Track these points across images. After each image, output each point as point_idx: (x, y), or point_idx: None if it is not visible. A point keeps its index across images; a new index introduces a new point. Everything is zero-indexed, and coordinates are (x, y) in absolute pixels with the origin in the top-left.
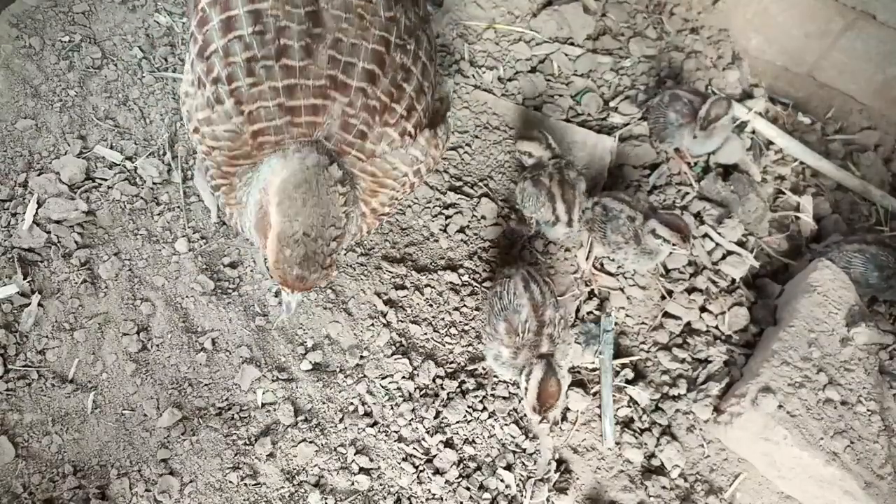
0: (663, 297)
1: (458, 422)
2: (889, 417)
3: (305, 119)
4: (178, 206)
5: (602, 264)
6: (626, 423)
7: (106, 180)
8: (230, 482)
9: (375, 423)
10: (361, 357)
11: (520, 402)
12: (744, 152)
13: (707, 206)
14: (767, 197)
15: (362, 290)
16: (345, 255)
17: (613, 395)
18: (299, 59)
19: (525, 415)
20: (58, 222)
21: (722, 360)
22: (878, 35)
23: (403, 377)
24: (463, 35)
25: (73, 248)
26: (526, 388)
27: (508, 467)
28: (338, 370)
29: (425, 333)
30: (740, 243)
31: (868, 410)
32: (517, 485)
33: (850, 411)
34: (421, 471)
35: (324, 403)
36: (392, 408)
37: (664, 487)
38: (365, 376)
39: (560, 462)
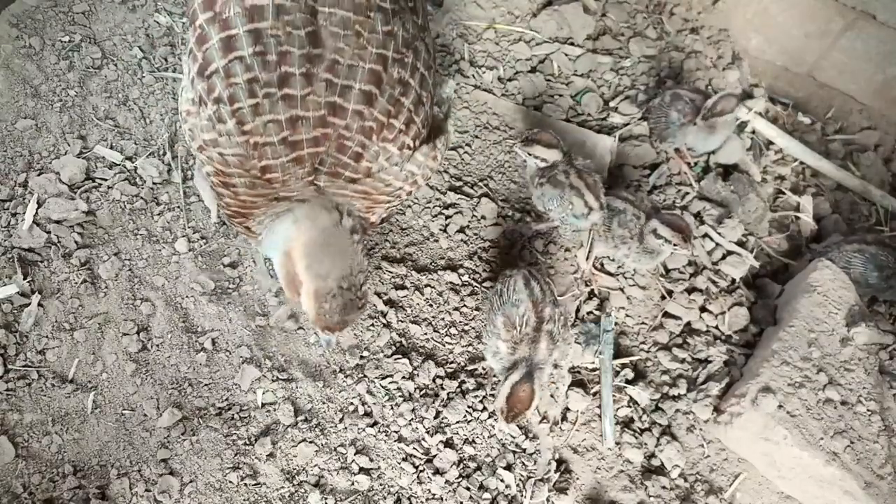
0: (663, 297)
1: (458, 422)
2: (889, 417)
3: (308, 151)
4: (178, 206)
5: (602, 264)
6: (626, 423)
7: (106, 180)
8: (230, 482)
9: (375, 423)
10: (361, 357)
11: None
12: (744, 152)
13: (707, 206)
14: (767, 197)
15: None
16: None
17: (613, 395)
18: (300, 88)
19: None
20: (58, 222)
21: (722, 360)
22: (878, 35)
23: (403, 377)
24: (463, 35)
25: (73, 248)
26: (499, 389)
27: (508, 467)
28: (338, 370)
29: (425, 333)
30: (740, 243)
31: (868, 410)
32: (517, 485)
33: (850, 411)
34: (421, 471)
35: (324, 403)
36: (392, 408)
37: (664, 487)
38: (365, 376)
39: (560, 462)
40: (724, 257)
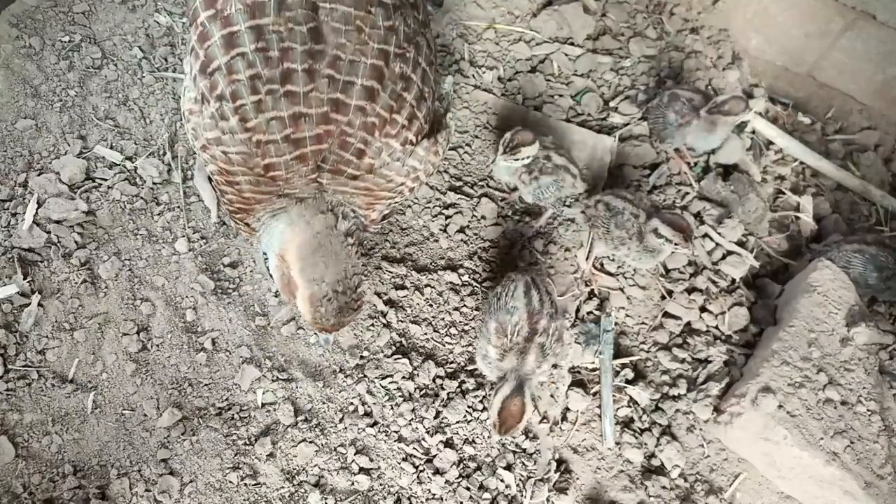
0: (663, 297)
1: (458, 422)
2: (889, 417)
3: (311, 149)
4: (178, 206)
5: (602, 264)
6: (626, 423)
7: (106, 180)
8: (230, 482)
9: (375, 423)
10: (361, 357)
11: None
12: (744, 152)
13: (707, 206)
14: (767, 197)
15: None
16: None
17: (613, 395)
18: (303, 85)
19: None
20: (58, 222)
21: (722, 360)
22: (878, 35)
23: (403, 377)
24: (463, 35)
25: (73, 248)
26: (491, 403)
27: (508, 467)
28: (338, 370)
29: (425, 333)
30: (740, 243)
31: (868, 410)
32: (517, 485)
33: (850, 411)
34: (421, 471)
35: (324, 403)
36: (392, 408)
37: (664, 487)
38: (365, 376)
39: (560, 462)
40: (724, 257)
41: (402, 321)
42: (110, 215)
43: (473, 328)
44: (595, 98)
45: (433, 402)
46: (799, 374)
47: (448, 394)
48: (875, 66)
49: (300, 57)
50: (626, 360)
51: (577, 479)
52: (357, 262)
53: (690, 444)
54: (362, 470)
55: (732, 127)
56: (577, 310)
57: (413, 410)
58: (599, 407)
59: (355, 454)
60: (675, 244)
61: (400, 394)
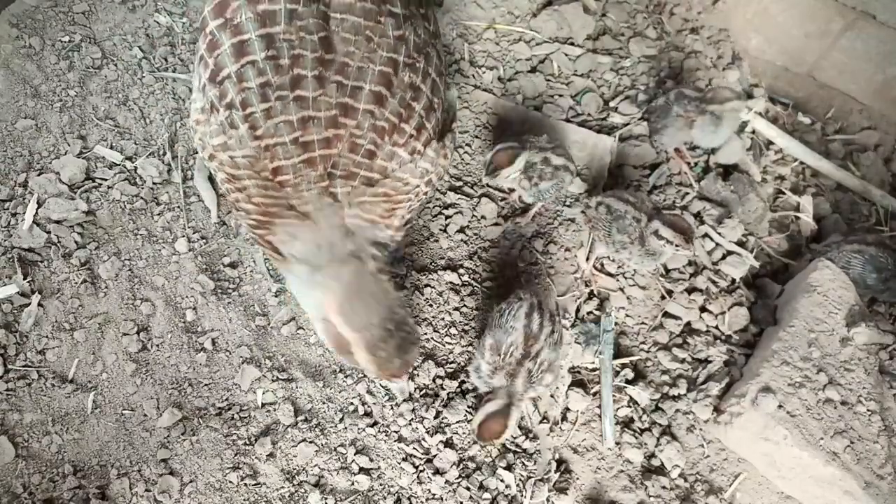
0: (663, 297)
1: (458, 422)
2: (889, 417)
3: (320, 153)
4: (178, 206)
5: (602, 264)
6: (626, 423)
7: (106, 180)
8: (230, 482)
9: (375, 423)
10: None
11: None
12: (744, 152)
13: (707, 206)
14: (767, 197)
15: None
16: None
17: (613, 395)
18: (312, 90)
19: (523, 416)
20: (58, 222)
21: (722, 360)
22: (878, 35)
23: None
24: (463, 35)
25: (73, 248)
26: (476, 413)
27: (508, 467)
28: (338, 370)
29: (425, 333)
30: (740, 243)
31: (868, 410)
32: (517, 485)
33: (850, 411)
34: (421, 471)
35: (324, 403)
36: (392, 408)
37: (664, 487)
38: (365, 376)
39: (560, 462)
40: (724, 257)
41: None
42: (110, 215)
43: (473, 328)
44: (595, 98)
45: (433, 402)
46: (799, 374)
47: (448, 394)
48: (875, 66)
49: (310, 64)
50: (626, 360)
51: (577, 479)
52: (397, 295)
53: (690, 444)
54: (362, 470)
55: (738, 122)
56: (577, 310)
57: (413, 410)
58: (599, 407)
59: (355, 454)
60: (677, 246)
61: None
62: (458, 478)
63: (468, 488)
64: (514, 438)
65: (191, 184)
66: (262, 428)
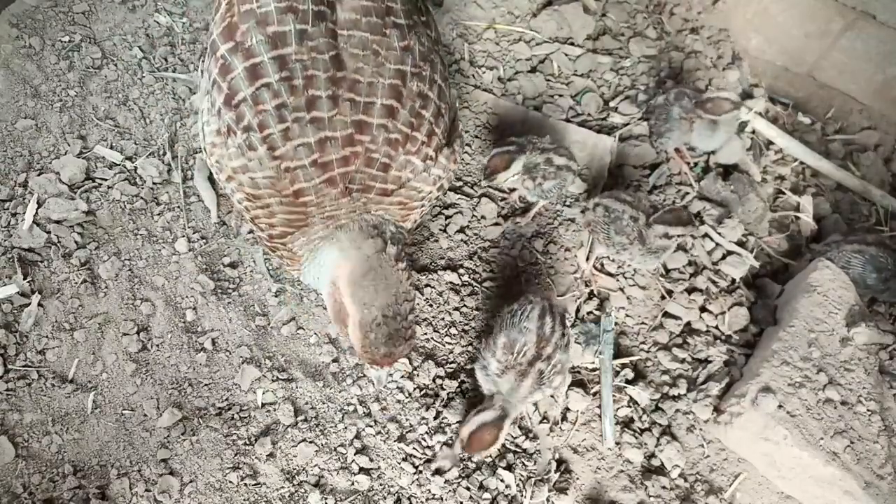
0: (663, 297)
1: (458, 422)
2: (889, 417)
3: (339, 171)
4: (178, 206)
5: (602, 264)
6: (626, 423)
7: (106, 180)
8: (230, 482)
9: (375, 423)
10: None
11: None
12: (744, 152)
13: (707, 206)
14: (767, 197)
15: None
16: None
17: (613, 395)
18: (327, 110)
19: (523, 416)
20: (58, 222)
21: (722, 360)
22: (878, 35)
23: (403, 377)
24: (463, 35)
25: (73, 248)
26: (467, 420)
27: (508, 467)
28: (338, 370)
29: (425, 333)
30: (740, 243)
31: (868, 410)
32: (517, 485)
33: (850, 411)
34: (421, 471)
35: (324, 403)
36: (392, 406)
37: (664, 487)
38: (365, 376)
39: (560, 462)
40: (724, 257)
41: None
42: (110, 215)
43: (473, 328)
44: (595, 98)
45: (433, 402)
46: (799, 374)
47: (448, 394)
48: (875, 66)
49: (324, 84)
50: (626, 360)
51: (577, 479)
52: (409, 288)
53: (690, 444)
54: (362, 470)
55: (736, 124)
56: (577, 310)
57: (413, 410)
58: (599, 407)
59: (355, 454)
60: (681, 235)
61: (400, 393)
62: (458, 478)
63: (468, 488)
64: (514, 438)
65: (191, 184)
66: (262, 428)
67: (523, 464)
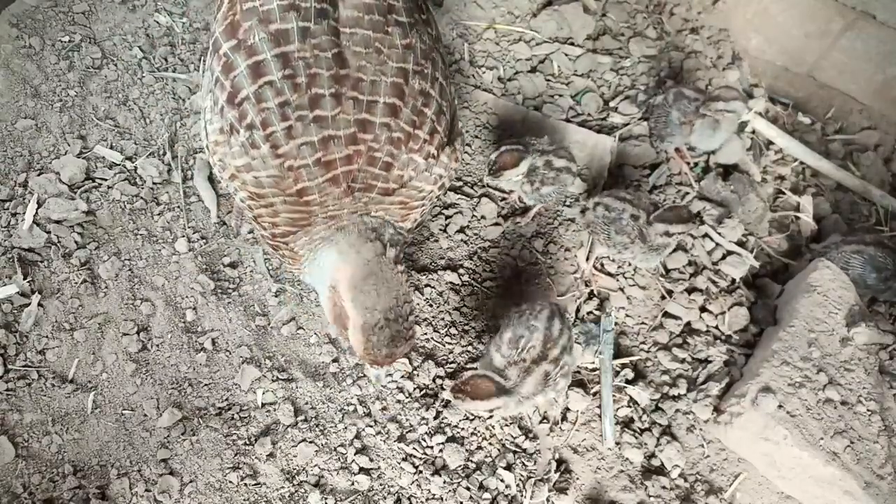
0: (663, 297)
1: (458, 422)
2: (889, 417)
3: (342, 170)
4: (178, 206)
5: (602, 264)
6: (626, 423)
7: (106, 180)
8: (230, 482)
9: (375, 423)
10: None
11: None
12: (744, 152)
13: (707, 206)
14: (767, 197)
15: None
16: None
17: (613, 395)
18: (331, 109)
19: (522, 417)
20: (58, 222)
21: (722, 360)
22: (878, 35)
23: (403, 377)
24: (463, 35)
25: (73, 248)
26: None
27: (508, 467)
28: (338, 370)
29: (425, 333)
30: (740, 243)
31: (868, 410)
32: (517, 485)
33: (850, 411)
34: (421, 471)
35: (324, 403)
36: (393, 406)
37: (664, 487)
38: (365, 376)
39: (560, 462)
40: (724, 257)
41: None
42: (110, 215)
43: (473, 328)
44: (595, 98)
45: (433, 402)
46: (799, 374)
47: None
48: (875, 66)
49: (327, 82)
50: (626, 360)
51: (577, 479)
52: (408, 289)
53: (690, 444)
54: (362, 470)
55: (736, 123)
56: (577, 310)
57: (413, 410)
58: (599, 407)
59: (355, 454)
60: (681, 232)
61: (400, 393)
62: (458, 478)
63: (468, 488)
64: (514, 438)
65: (191, 184)
66: (262, 428)
67: (523, 464)
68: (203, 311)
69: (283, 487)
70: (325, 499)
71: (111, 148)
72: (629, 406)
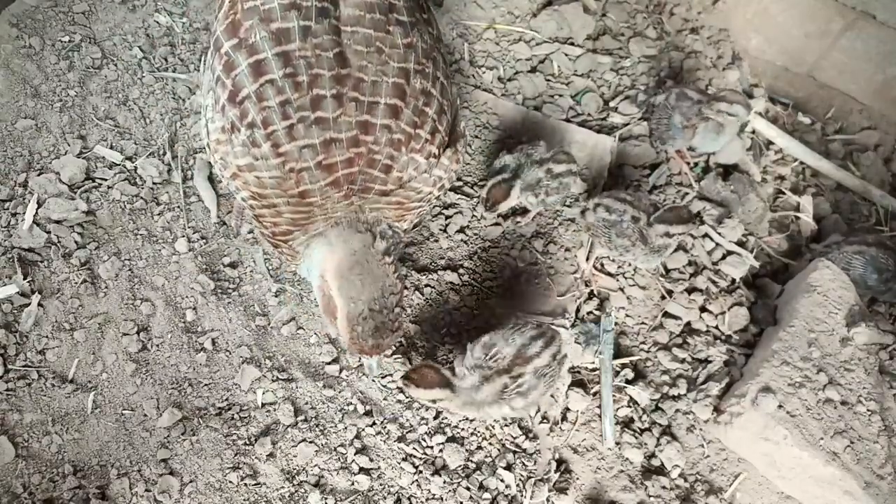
0: (663, 297)
1: (458, 422)
2: (889, 417)
3: (343, 173)
4: (178, 206)
5: (602, 264)
6: (626, 423)
7: (106, 180)
8: (230, 482)
9: (375, 423)
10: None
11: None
12: (744, 152)
13: (707, 206)
14: (767, 197)
15: None
16: None
17: (613, 395)
18: (332, 111)
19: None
20: (58, 222)
21: (722, 360)
22: (878, 35)
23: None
24: (463, 35)
25: (73, 248)
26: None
27: (508, 467)
28: (338, 370)
29: (425, 333)
30: (740, 243)
31: (868, 410)
32: (517, 485)
33: (850, 411)
34: (421, 471)
35: (324, 403)
36: (393, 405)
37: (664, 487)
38: (365, 376)
39: (560, 462)
40: (724, 257)
41: None
42: (110, 215)
43: (474, 328)
44: (595, 98)
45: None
46: (799, 374)
47: None
48: (875, 66)
49: (328, 83)
50: (626, 360)
51: (577, 479)
52: (395, 281)
53: (690, 444)
54: (362, 470)
55: (738, 126)
56: (577, 310)
57: (413, 410)
58: (599, 407)
59: (355, 454)
60: (682, 234)
61: (400, 393)
62: (458, 478)
63: (468, 488)
64: (514, 438)
65: (191, 184)
66: (262, 428)
67: (523, 464)
68: (203, 311)
69: (283, 487)
70: (325, 499)
71: (111, 148)
72: (629, 406)
